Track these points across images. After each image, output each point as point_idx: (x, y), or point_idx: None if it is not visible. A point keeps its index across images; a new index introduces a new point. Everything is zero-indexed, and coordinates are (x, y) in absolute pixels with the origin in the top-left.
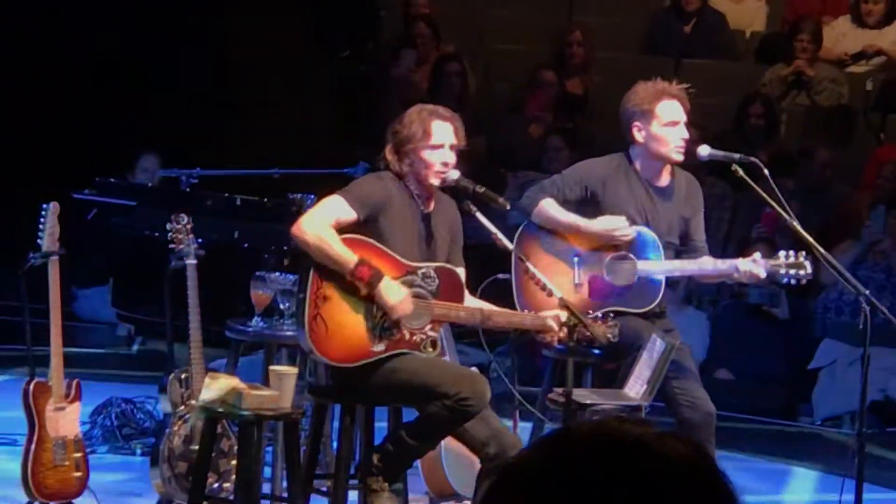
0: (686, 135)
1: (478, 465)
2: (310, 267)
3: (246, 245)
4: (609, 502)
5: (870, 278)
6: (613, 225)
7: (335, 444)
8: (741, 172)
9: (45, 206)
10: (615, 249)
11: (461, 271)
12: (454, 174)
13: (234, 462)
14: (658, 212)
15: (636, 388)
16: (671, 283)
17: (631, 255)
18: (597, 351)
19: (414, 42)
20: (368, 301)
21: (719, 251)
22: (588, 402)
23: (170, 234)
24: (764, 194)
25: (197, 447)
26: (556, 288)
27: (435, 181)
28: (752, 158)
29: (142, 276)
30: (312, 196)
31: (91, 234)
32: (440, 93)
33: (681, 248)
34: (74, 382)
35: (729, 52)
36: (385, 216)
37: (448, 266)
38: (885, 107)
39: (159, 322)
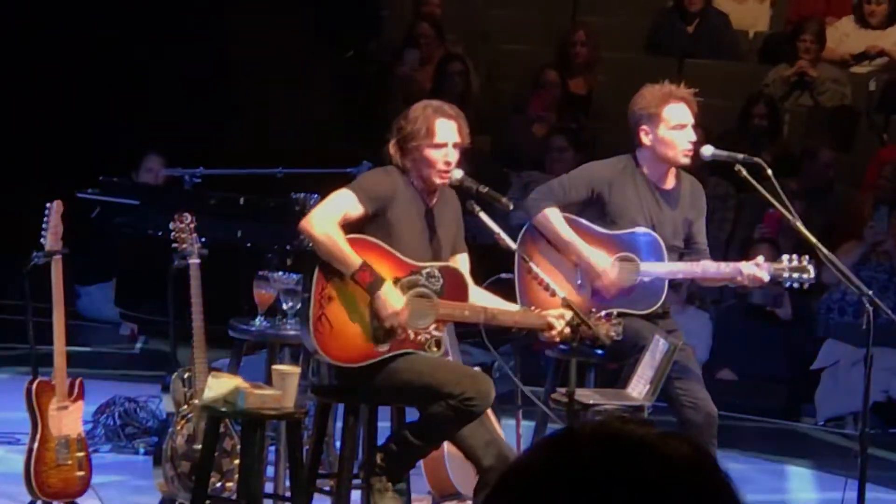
0: (694, 138)
1: None
2: (314, 267)
3: (249, 244)
4: (611, 502)
5: (873, 279)
6: (597, 270)
7: (338, 444)
8: (745, 173)
9: (48, 204)
10: (618, 250)
11: (464, 256)
12: (458, 174)
13: (236, 461)
14: (664, 216)
15: (639, 388)
16: (674, 284)
17: (634, 257)
18: (600, 351)
19: (417, 42)
20: None
21: (722, 252)
22: (591, 402)
23: (173, 233)
24: (767, 195)
25: (200, 447)
26: (559, 288)
27: (438, 181)
28: (756, 159)
29: (145, 276)
30: (316, 195)
31: (95, 234)
32: (443, 92)
33: (683, 250)
34: (77, 381)
35: (732, 53)
36: (392, 210)
37: (452, 266)
38: (888, 107)
39: (162, 321)
